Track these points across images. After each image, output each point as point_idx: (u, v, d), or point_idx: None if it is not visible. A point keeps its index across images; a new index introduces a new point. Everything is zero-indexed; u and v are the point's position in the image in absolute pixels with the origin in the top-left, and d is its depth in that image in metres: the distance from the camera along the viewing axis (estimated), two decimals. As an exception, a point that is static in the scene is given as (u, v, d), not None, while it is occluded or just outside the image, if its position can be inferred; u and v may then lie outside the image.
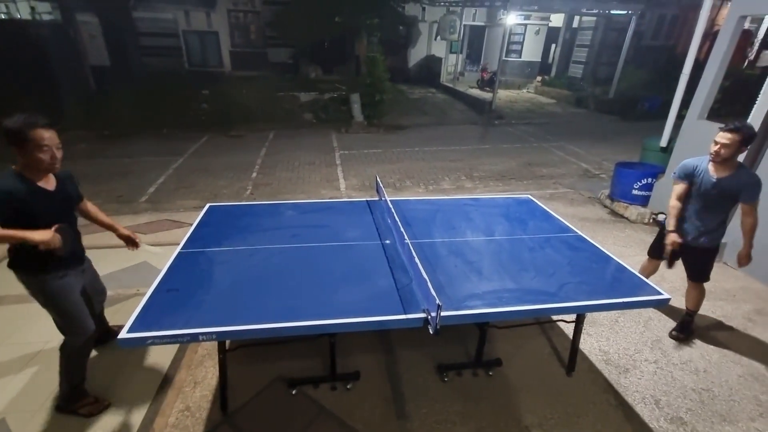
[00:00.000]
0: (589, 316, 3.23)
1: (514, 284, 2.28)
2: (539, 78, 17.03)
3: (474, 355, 2.77)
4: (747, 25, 14.08)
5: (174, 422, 2.34)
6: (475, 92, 14.73)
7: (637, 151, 6.23)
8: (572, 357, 2.74)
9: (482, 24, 17.40)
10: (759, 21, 14.50)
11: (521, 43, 17.84)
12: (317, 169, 7.27)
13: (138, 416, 2.35)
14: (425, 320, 1.94)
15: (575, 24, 16.70)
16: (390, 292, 2.16)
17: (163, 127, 9.73)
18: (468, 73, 17.66)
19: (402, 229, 2.52)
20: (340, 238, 2.78)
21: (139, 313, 1.96)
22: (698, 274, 2.98)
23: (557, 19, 16.97)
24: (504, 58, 16.76)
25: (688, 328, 3.16)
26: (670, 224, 2.86)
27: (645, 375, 2.79)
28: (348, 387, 2.59)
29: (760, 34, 15.00)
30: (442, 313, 1.88)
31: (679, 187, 2.83)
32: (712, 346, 3.08)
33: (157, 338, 1.81)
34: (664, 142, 5.24)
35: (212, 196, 5.97)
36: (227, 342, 2.52)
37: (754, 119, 3.82)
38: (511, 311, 2.08)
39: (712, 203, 2.73)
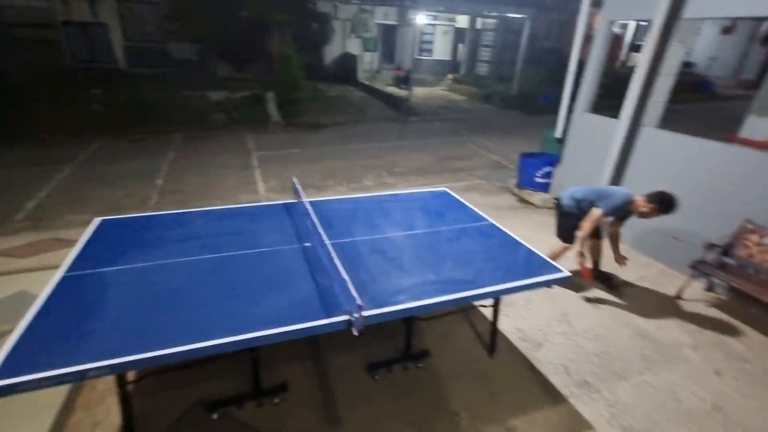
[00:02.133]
0: (506, 298, 3.44)
1: (435, 276, 2.34)
2: (450, 76, 17.92)
3: (403, 349, 2.79)
4: (618, 30, 16.31)
5: (67, 476, 2.01)
6: (392, 90, 15.03)
7: (538, 142, 6.84)
8: (493, 339, 2.90)
9: (394, 23, 17.80)
10: (626, 27, 16.84)
11: (432, 43, 18.62)
12: (233, 172, 6.82)
13: (18, 477, 1.97)
14: (348, 322, 1.89)
15: (479, 25, 17.85)
16: (311, 296, 2.08)
17: (45, 133, 8.38)
18: (384, 71, 17.96)
19: (321, 231, 2.44)
20: (256, 244, 2.61)
21: (8, 355, 1.63)
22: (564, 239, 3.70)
23: (463, 21, 18.01)
24: (417, 56, 17.36)
25: (606, 279, 3.90)
26: (586, 262, 3.40)
27: (555, 346, 3.06)
28: (276, 401, 2.45)
29: (628, 38, 17.44)
30: (366, 313, 1.85)
31: (601, 220, 3.35)
32: (607, 313, 3.48)
33: (31, 383, 1.52)
34: (558, 134, 5.82)
35: (110, 208, 5.28)
36: (131, 373, 2.23)
37: (626, 110, 4.39)
38: (433, 303, 2.12)
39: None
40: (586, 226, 3.30)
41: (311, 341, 2.95)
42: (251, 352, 2.23)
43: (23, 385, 1.52)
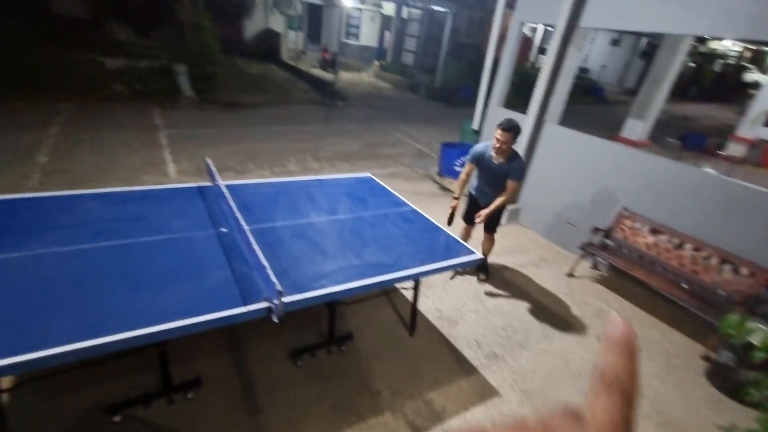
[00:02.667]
0: (426, 280, 3.62)
1: (358, 260, 2.36)
2: (377, 63, 17.96)
3: (326, 334, 2.79)
4: (528, 33, 17.73)
5: None
6: (318, 72, 14.62)
7: (457, 133, 7.20)
8: (413, 319, 3.03)
9: (320, 2, 17.23)
10: (535, 31, 18.36)
11: (359, 27, 18.41)
12: (136, 151, 6.10)
13: None
14: (268, 309, 1.83)
15: (405, 15, 18.07)
16: (227, 284, 1.97)
17: None
18: (310, 52, 17.36)
19: (238, 215, 2.30)
20: (164, 230, 2.38)
21: None
22: (490, 227, 3.72)
23: (390, 8, 18.06)
24: (343, 40, 17.05)
25: (486, 269, 3.96)
26: (455, 192, 3.56)
27: (469, 323, 3.30)
28: (189, 396, 2.30)
29: (537, 42, 19.04)
30: (286, 299, 1.80)
31: (468, 167, 3.52)
32: (513, 290, 3.85)
33: None
34: (475, 126, 6.19)
35: (-29, 189, 4.39)
36: (4, 380, 1.91)
37: (533, 107, 4.83)
38: (355, 287, 2.15)
39: (495, 180, 3.41)
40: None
41: (229, 332, 2.80)
42: (158, 346, 2.05)
43: None
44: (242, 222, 2.24)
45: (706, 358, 3.30)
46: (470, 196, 3.76)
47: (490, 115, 5.56)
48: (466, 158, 3.51)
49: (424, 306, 3.39)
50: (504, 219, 5.16)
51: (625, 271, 3.84)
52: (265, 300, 1.85)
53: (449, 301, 3.54)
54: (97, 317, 1.67)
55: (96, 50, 10.10)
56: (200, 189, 3.01)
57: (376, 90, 14.30)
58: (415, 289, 2.90)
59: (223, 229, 2.46)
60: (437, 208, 5.22)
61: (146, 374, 2.38)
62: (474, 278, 3.91)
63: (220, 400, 2.33)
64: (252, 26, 16.04)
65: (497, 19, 5.30)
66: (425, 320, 3.25)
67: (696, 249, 3.60)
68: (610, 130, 9.06)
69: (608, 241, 4.17)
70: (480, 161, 3.40)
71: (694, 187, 3.69)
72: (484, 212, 3.36)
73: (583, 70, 19.37)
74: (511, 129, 3.15)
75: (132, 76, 9.38)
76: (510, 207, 5.17)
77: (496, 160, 3.29)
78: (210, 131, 7.52)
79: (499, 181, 3.37)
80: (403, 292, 3.52)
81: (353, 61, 17.67)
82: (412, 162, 7.25)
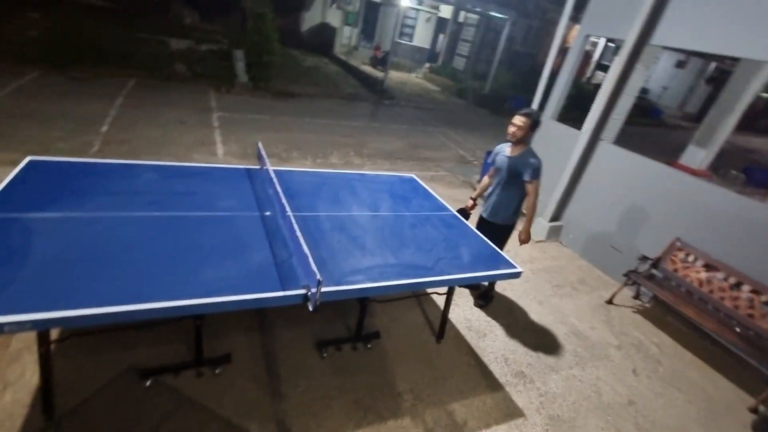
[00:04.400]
0: (459, 288, 3.54)
1: (395, 259, 2.33)
2: (428, 65, 17.87)
3: (354, 329, 2.79)
4: (588, 47, 17.06)
5: (-32, 437, 1.81)
6: (368, 69, 14.73)
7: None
8: (442, 326, 2.97)
9: (378, 0, 17.34)
10: (595, 45, 17.63)
11: (413, 28, 18.38)
12: (190, 129, 6.38)
13: None
14: (305, 296, 1.84)
15: (461, 18, 17.87)
16: (267, 267, 1.99)
17: (-35, 53, 7.32)
18: (362, 48, 17.52)
19: (284, 201, 2.34)
20: (212, 207, 2.45)
21: None
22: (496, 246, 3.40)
23: (446, 11, 17.92)
24: (397, 39, 17.06)
25: (488, 295, 3.53)
26: (473, 194, 3.43)
27: (498, 338, 3.20)
28: (217, 372, 2.36)
29: (596, 57, 18.29)
30: (323, 289, 1.80)
31: (492, 170, 3.31)
32: (547, 310, 3.70)
33: (-69, 333, 1.33)
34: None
35: (42, 149, 4.74)
36: (54, 331, 2.03)
37: (588, 125, 4.62)
38: (391, 285, 2.12)
39: (504, 179, 3.10)
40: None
41: (260, 313, 2.86)
42: (196, 319, 2.12)
43: None
44: (287, 208, 2.26)
45: (754, 410, 3.03)
46: (480, 217, 3.40)
47: (542, 128, 5.37)
48: (489, 159, 3.32)
49: (454, 314, 3.32)
50: (544, 235, 4.98)
51: (672, 305, 3.60)
52: (303, 287, 1.86)
53: (480, 313, 3.44)
54: (143, 283, 1.74)
55: (163, 31, 10.65)
56: (248, 171, 3.09)
57: (423, 92, 14.23)
58: (448, 295, 2.84)
59: (267, 213, 2.51)
60: (475, 217, 5.11)
61: (178, 344, 2.47)
62: (507, 291, 3.78)
63: (245, 380, 2.37)
64: (310, 19, 16.39)
65: (560, 30, 5.10)
66: (453, 329, 3.18)
67: (754, 291, 3.31)
68: (667, 155, 8.55)
69: (656, 272, 3.92)
70: (495, 159, 3.20)
71: (758, 224, 3.39)
72: (523, 234, 3.12)
73: (643, 90, 18.39)
74: (530, 116, 2.93)
75: (193, 58, 9.82)
76: (551, 224, 4.98)
77: (509, 152, 3.06)
78: (260, 117, 7.74)
79: (510, 180, 3.06)
80: (434, 297, 3.46)
81: (404, 61, 17.66)
82: (453, 167, 7.15)
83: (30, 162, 2.50)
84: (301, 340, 2.73)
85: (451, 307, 3.10)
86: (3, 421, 1.90)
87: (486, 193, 3.41)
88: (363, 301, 2.61)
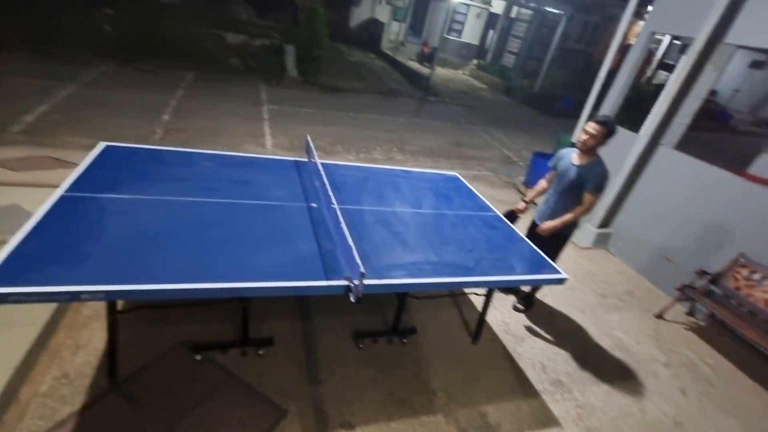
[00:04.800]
0: (496, 290, 3.48)
1: (436, 257, 2.34)
2: (475, 61, 17.51)
3: (391, 323, 2.83)
4: (651, 45, 15.97)
5: (46, 391, 2.03)
6: (414, 65, 14.68)
7: (551, 144, 6.78)
8: (479, 327, 2.95)
9: (428, -4, 17.20)
10: (658, 43, 16.49)
11: (463, 24, 18.06)
12: (242, 121, 6.68)
13: (0, 384, 1.99)
14: (347, 288, 1.90)
15: (513, 14, 17.32)
16: (312, 257, 2.07)
17: (52, 44, 8.05)
18: (409, 44, 17.47)
19: (330, 193, 2.41)
20: (263, 196, 2.58)
21: (2, 264, 1.61)
22: (547, 253, 3.17)
23: (498, 6, 17.44)
24: (445, 35, 16.85)
25: (529, 300, 3.42)
26: (527, 196, 3.23)
27: (536, 344, 3.12)
28: (260, 352, 2.48)
29: (658, 55, 17.11)
30: (366, 281, 1.85)
31: (550, 174, 3.14)
32: (590, 319, 3.55)
33: (23, 295, 1.51)
34: (575, 138, 5.76)
35: (112, 136, 5.14)
36: (119, 302, 2.23)
37: (647, 128, 4.35)
38: (432, 282, 2.14)
39: (567, 188, 2.89)
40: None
41: (301, 301, 2.97)
42: (244, 301, 2.24)
43: (15, 296, 1.51)
44: (333, 200, 2.33)
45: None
46: (533, 222, 3.22)
47: (594, 129, 5.13)
48: (549, 163, 3.14)
49: (491, 316, 3.28)
50: (590, 241, 4.77)
51: (731, 325, 3.34)
52: (345, 278, 1.92)
53: (518, 317, 3.37)
54: (199, 264, 1.87)
55: (221, 26, 11.16)
56: (297, 163, 3.20)
57: (470, 89, 13.98)
58: (488, 297, 2.80)
59: (314, 204, 2.59)
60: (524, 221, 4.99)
61: (226, 324, 2.62)
62: (548, 297, 3.67)
63: (285, 362, 2.48)
64: (358, 14, 16.55)
65: (622, 26, 4.83)
66: (490, 331, 3.14)
67: (834, 319, 3.00)
68: (735, 163, 7.87)
69: (715, 288, 3.65)
70: (558, 164, 2.99)
71: None
72: (548, 224, 2.91)
73: (711, 92, 17.00)
74: (607, 124, 2.70)
75: (247, 52, 10.23)
76: (599, 230, 4.76)
77: (576, 160, 2.85)
78: (307, 111, 7.95)
79: (571, 189, 2.86)
80: (471, 297, 3.43)
81: (451, 58, 17.43)
82: (497, 167, 7.00)
83: (104, 147, 2.74)
84: (339, 329, 2.81)
85: (489, 308, 3.06)
86: (75, 379, 2.11)
87: (540, 198, 3.23)
88: (401, 296, 2.64)
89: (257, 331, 2.56)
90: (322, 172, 2.68)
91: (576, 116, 5.58)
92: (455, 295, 3.40)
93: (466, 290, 3.41)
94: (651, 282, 4.35)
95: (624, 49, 5.10)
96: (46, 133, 4.87)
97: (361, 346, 2.70)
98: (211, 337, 2.50)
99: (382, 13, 16.56)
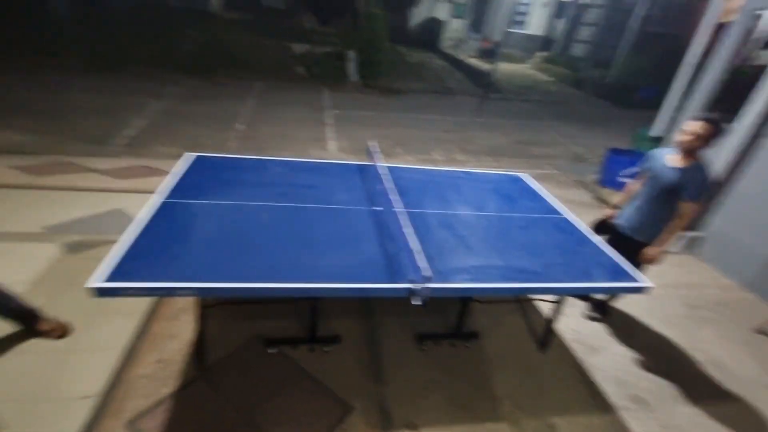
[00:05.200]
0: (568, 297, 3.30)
1: (502, 261, 2.28)
2: (541, 53, 16.64)
3: (453, 326, 2.81)
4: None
5: (147, 373, 2.31)
6: (475, 62, 14.33)
7: (627, 139, 6.25)
8: (547, 335, 2.81)
9: (489, -11, 16.69)
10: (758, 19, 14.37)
11: (527, 15, 17.27)
12: (307, 126, 7.02)
13: (110, 365, 2.30)
14: (411, 291, 1.92)
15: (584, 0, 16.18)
16: (377, 259, 2.12)
17: (145, 66, 9.11)
18: (470, 41, 17.08)
19: (393, 197, 2.45)
20: (329, 200, 2.69)
21: (114, 262, 1.86)
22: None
23: (566, -7, 16.42)
24: (507, 29, 16.23)
25: (604, 308, 3.20)
26: (616, 200, 3.01)
27: (613, 356, 2.90)
28: (326, 350, 2.60)
29: (758, 34, 14.92)
30: (431, 285, 1.86)
31: (639, 174, 2.87)
32: (676, 331, 3.22)
33: (133, 290, 1.73)
34: (655, 132, 5.24)
35: (194, 145, 5.69)
36: (206, 298, 2.46)
37: (747, 116, 3.83)
38: (498, 287, 2.09)
39: (658, 193, 2.61)
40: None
41: (365, 301, 3.05)
42: (313, 300, 2.36)
43: (125, 290, 1.73)
44: (397, 204, 2.37)
45: None
46: (616, 227, 2.92)
47: (681, 122, 4.63)
48: (642, 164, 2.83)
49: (560, 324, 3.10)
50: (678, 246, 4.32)
51: None
52: (409, 281, 1.94)
53: (591, 325, 3.16)
54: (273, 264, 2.00)
55: (286, 37, 11.81)
56: (360, 167, 3.30)
57: (535, 83, 13.34)
58: (557, 304, 2.67)
59: (377, 207, 2.66)
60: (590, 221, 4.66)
61: (295, 320, 2.78)
62: (624, 305, 3.39)
63: (351, 361, 2.57)
64: (418, 15, 16.55)
65: (715, 3, 4.31)
66: (559, 339, 2.98)
67: None
68: None
69: (839, 304, 3.12)
70: (651, 167, 2.68)
71: None
72: (651, 251, 2.62)
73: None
74: (714, 123, 2.38)
75: (310, 60, 10.72)
76: (689, 233, 4.29)
77: (672, 162, 2.53)
78: (368, 114, 8.13)
79: (665, 195, 2.56)
80: (538, 303, 3.28)
81: (514, 52, 16.75)
82: (565, 165, 6.60)
83: (192, 157, 3.04)
84: (402, 330, 2.85)
85: (558, 315, 2.91)
86: (169, 364, 2.38)
87: (622, 212, 2.91)
88: (464, 300, 2.61)
89: (324, 328, 2.68)
90: (385, 176, 2.73)
91: (657, 107, 5.09)
92: (521, 300, 3.28)
93: (532, 296, 3.27)
94: (750, 292, 3.83)
95: (718, 28, 4.52)
96: (141, 144, 5.52)
97: (424, 348, 2.71)
98: (282, 332, 2.67)
99: (442, 12, 16.39)
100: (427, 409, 2.33)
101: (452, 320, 2.86)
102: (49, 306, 2.59)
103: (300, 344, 2.60)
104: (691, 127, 2.43)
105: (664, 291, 3.68)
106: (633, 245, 2.70)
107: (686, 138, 2.44)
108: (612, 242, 2.71)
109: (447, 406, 2.37)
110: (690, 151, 2.47)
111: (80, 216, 3.63)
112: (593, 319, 3.20)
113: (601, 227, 2.93)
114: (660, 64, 11.38)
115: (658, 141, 5.17)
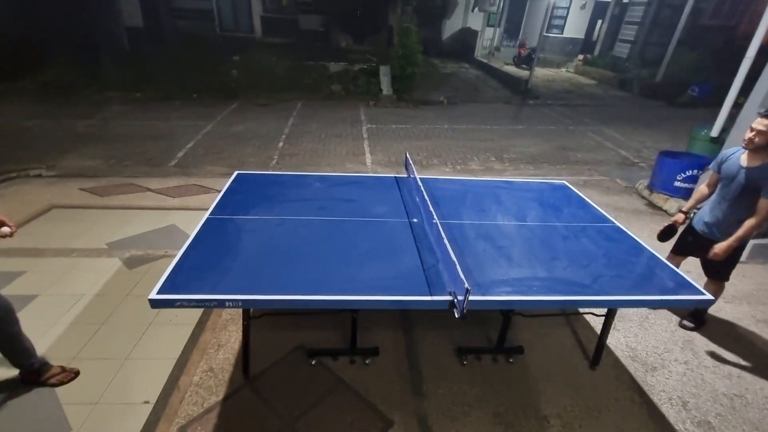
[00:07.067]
0: (621, 311, 3.11)
1: (545, 273, 2.19)
2: (581, 57, 16.09)
3: (495, 340, 2.72)
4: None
5: (198, 381, 2.42)
6: (511, 69, 14.10)
7: (681, 139, 5.86)
8: (598, 351, 2.65)
9: (524, -5, 16.47)
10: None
11: (564, 18, 16.83)
12: (344, 142, 7.19)
13: (164, 373, 2.44)
14: (451, 303, 1.89)
15: (626, -1, 15.54)
16: (416, 272, 2.12)
17: (194, 92, 9.79)
18: (504, 48, 16.88)
19: (431, 209, 2.44)
20: (367, 213, 2.73)
21: (169, 275, 1.98)
22: (714, 272, 2.82)
23: (606, -7, 15.86)
24: (544, 33, 15.86)
25: (701, 317, 3.07)
26: (685, 206, 2.92)
27: (673, 375, 2.68)
28: (366, 362, 2.60)
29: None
30: (471, 297, 1.82)
31: (708, 175, 2.77)
32: (746, 350, 2.93)
33: (185, 301, 1.83)
34: (715, 132, 4.87)
35: (239, 163, 6.01)
36: (251, 309, 2.56)
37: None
38: (541, 300, 2.01)
39: (734, 194, 2.55)
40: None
41: (404, 314, 3.04)
42: (353, 312, 2.39)
43: (180, 301, 1.84)
44: (434, 215, 2.36)
45: None
46: (690, 225, 2.94)
47: (744, 120, 4.28)
48: (710, 165, 2.76)
49: (613, 339, 2.92)
50: (744, 254, 3.95)
51: None
52: (450, 294, 1.91)
53: (647, 341, 2.95)
54: (315, 277, 2.05)
55: (323, 57, 12.23)
56: (397, 179, 3.33)
57: (575, 87, 12.90)
58: (608, 317, 2.52)
59: (415, 220, 2.66)
60: (642, 230, 4.39)
61: (336, 332, 2.81)
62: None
63: (391, 373, 2.56)
64: (451, 26, 16.60)
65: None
66: (612, 356, 2.80)
67: None
68: None
69: None
70: (722, 166, 2.63)
71: None
72: (722, 245, 2.56)
73: None
74: None
75: (347, 77, 11.02)
76: (757, 240, 3.91)
77: (746, 161, 2.48)
78: (403, 127, 8.21)
79: (743, 196, 2.51)
80: (587, 317, 3.11)
81: (551, 56, 16.33)
82: (612, 171, 6.29)
83: (237, 175, 3.21)
84: (442, 343, 2.80)
85: (610, 331, 2.74)
86: (218, 372, 2.48)
87: (701, 205, 2.89)
88: (507, 313, 2.53)
89: (364, 340, 2.69)
90: (422, 188, 2.73)
91: (712, 104, 4.74)
92: (567, 314, 3.13)
93: (581, 309, 3.11)
94: (839, 306, 3.41)
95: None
96: (192, 164, 5.89)
97: (464, 362, 2.64)
98: (323, 343, 2.71)
99: (475, 22, 16.34)
100: (468, 425, 2.26)
101: (493, 334, 2.77)
102: (112, 316, 2.81)
103: (340, 356, 2.62)
104: (757, 124, 2.36)
105: (730, 305, 3.38)
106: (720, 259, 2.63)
107: (752, 135, 2.38)
108: (691, 247, 2.81)
109: (490, 424, 2.29)
110: (761, 148, 2.39)
111: (139, 232, 3.92)
112: (688, 328, 3.05)
113: (668, 233, 2.90)
114: (714, 58, 10.67)
115: (716, 141, 4.81)
